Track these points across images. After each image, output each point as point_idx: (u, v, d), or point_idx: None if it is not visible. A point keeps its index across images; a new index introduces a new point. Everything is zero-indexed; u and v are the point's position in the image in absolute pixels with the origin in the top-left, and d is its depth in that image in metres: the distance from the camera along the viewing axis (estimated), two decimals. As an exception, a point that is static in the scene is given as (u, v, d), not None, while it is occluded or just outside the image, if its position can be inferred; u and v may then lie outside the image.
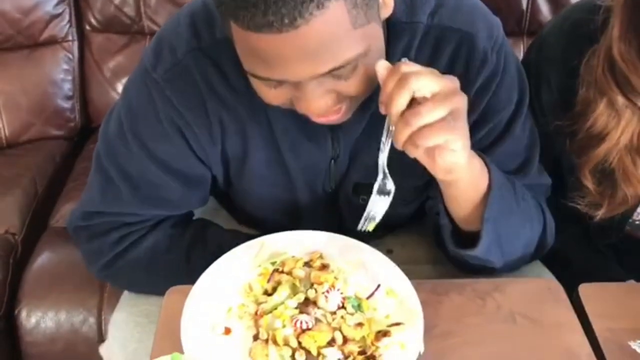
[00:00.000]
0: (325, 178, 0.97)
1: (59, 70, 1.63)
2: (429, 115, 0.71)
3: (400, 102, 0.71)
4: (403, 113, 0.72)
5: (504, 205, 0.87)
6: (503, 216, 0.87)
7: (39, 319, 1.24)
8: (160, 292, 0.90)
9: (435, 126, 0.71)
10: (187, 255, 0.97)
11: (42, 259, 1.31)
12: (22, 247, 1.34)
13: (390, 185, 0.81)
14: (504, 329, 0.85)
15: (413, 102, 0.72)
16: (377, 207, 0.82)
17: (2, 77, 1.58)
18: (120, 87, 1.62)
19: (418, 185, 0.98)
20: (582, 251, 1.10)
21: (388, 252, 1.03)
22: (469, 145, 0.77)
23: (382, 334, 0.80)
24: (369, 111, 0.87)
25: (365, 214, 0.83)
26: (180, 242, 0.98)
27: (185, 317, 0.83)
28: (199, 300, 0.85)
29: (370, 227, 0.84)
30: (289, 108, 0.80)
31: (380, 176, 0.80)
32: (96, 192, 0.96)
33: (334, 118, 0.80)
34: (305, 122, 0.83)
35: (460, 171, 0.79)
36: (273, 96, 0.78)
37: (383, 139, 0.77)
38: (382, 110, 0.74)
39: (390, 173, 0.81)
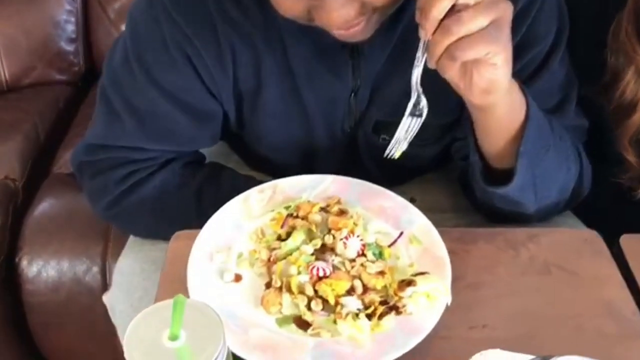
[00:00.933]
0: (344, 115, 0.90)
1: (62, 10, 1.55)
2: (471, 22, 0.63)
3: (443, 5, 0.64)
4: (441, 21, 0.65)
5: (541, 140, 0.80)
6: (539, 153, 0.80)
7: (40, 268, 1.19)
8: (168, 237, 0.84)
9: (476, 36, 0.64)
10: (197, 196, 0.91)
11: (44, 206, 1.25)
12: (23, 194, 1.29)
13: (424, 105, 0.74)
14: (538, 280, 0.78)
15: (450, 12, 0.65)
16: (409, 130, 0.75)
17: (2, 17, 1.50)
18: (125, 30, 1.53)
19: (445, 124, 0.91)
20: (618, 203, 1.02)
21: (410, 201, 0.97)
22: (511, 61, 0.70)
23: (406, 283, 0.73)
24: (392, 37, 0.80)
25: (394, 138, 0.76)
26: (190, 182, 0.92)
27: (192, 263, 0.76)
28: (207, 245, 0.79)
29: (398, 152, 0.77)
30: (306, 25, 0.73)
31: (413, 95, 0.73)
32: (101, 125, 0.90)
33: (355, 30, 0.72)
34: (324, 50, 0.76)
35: (499, 92, 0.72)
36: (289, 5, 0.71)
37: (418, 53, 0.70)
38: (418, 18, 0.67)
39: None
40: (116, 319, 0.96)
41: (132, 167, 0.90)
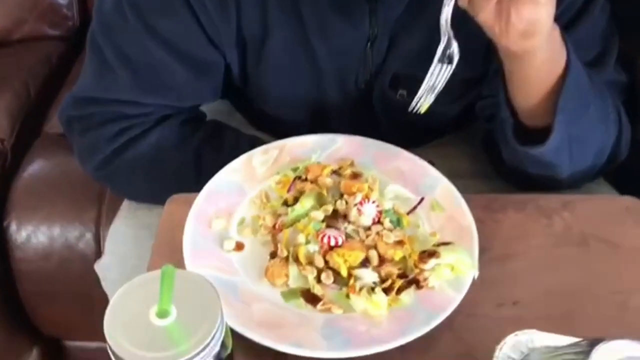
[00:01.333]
0: (358, 67, 0.81)
1: (54, -42, 1.45)
2: None
3: None
4: None
5: (581, 96, 0.72)
6: (578, 110, 0.72)
7: (30, 234, 1.11)
8: (165, 202, 0.77)
9: None
10: (196, 157, 0.83)
11: (34, 168, 1.17)
12: (12, 155, 1.20)
13: (455, 50, 0.66)
14: (576, 253, 0.70)
15: None
16: (437, 78, 0.68)
17: (-11, -33, 1.41)
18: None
19: (471, 78, 0.82)
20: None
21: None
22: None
23: (428, 254, 0.65)
24: None
25: (421, 88, 0.69)
26: (190, 141, 0.84)
27: (188, 229, 0.69)
28: (205, 210, 0.71)
29: (425, 106, 0.70)
30: None
31: (443, 38, 0.66)
32: (90, 76, 0.82)
33: None
34: None
35: (540, 36, 0.63)
36: None
37: None
38: None
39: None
40: (108, 289, 0.89)
41: (125, 123, 0.82)
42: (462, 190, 0.74)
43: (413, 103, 0.70)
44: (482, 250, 0.68)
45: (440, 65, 0.67)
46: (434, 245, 0.67)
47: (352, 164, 0.76)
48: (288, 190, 0.73)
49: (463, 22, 0.64)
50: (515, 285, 0.67)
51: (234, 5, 0.75)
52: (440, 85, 0.68)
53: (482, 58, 0.78)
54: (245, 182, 0.74)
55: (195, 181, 0.76)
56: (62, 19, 1.47)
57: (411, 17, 0.76)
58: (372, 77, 0.82)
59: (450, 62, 0.66)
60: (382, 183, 0.74)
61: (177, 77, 0.80)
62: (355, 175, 0.74)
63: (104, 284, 0.90)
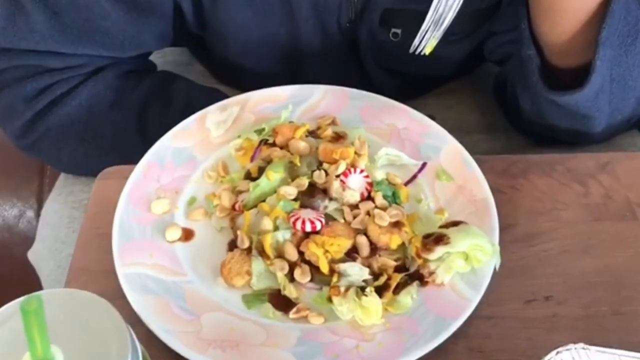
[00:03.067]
0: (341, 2, 0.66)
1: None
2: None
3: None
4: None
5: (628, 24, 0.58)
6: (623, 43, 0.58)
7: (-39, 214, 0.96)
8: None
9: None
10: (139, 116, 0.68)
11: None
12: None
13: None
14: (621, 229, 0.55)
15: None
16: (445, 8, 0.55)
17: None
18: None
19: (481, 9, 0.68)
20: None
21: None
22: None
23: (435, 239, 0.49)
24: None
25: (424, 24, 0.56)
26: (129, 97, 0.69)
27: (119, 214, 0.53)
28: (143, 187, 0.55)
29: (430, 45, 0.58)
30: None
31: None
32: None
33: None
34: None
35: None
36: None
37: None
38: None
39: None
40: (43, 282, 0.74)
41: (46, 79, 0.67)
42: (472, 149, 0.60)
43: (416, 41, 0.57)
44: (502, 229, 0.53)
45: None
46: (440, 226, 0.51)
47: (333, 122, 0.61)
48: (251, 159, 0.57)
49: None
50: (546, 274, 0.52)
51: None
52: (449, 18, 0.56)
53: None
54: (196, 149, 0.59)
55: (141, 147, 0.60)
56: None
57: None
58: (358, 14, 0.68)
59: None
60: (372, 146, 0.58)
61: (110, 20, 0.66)
62: (338, 137, 0.59)
63: (40, 275, 0.75)
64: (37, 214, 0.96)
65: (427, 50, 0.59)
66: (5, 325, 0.30)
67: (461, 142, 0.60)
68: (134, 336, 0.32)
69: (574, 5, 0.55)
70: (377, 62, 0.73)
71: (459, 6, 0.55)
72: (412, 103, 0.71)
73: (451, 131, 0.63)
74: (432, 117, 0.75)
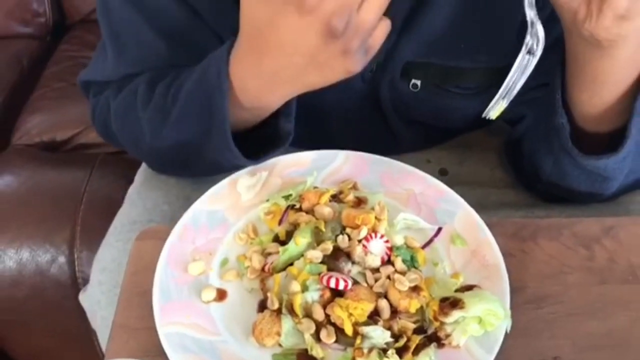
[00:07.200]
0: None
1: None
2: None
3: None
4: None
5: None
6: None
7: (-4, 259, 1.00)
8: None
9: None
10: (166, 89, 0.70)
11: (1, 184, 1.05)
12: (-23, 170, 1.09)
13: (539, 36, 0.55)
14: (625, 292, 0.59)
15: None
16: (522, 74, 0.57)
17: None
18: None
19: (496, 67, 0.68)
20: None
21: (441, 174, 0.79)
22: None
23: (451, 304, 0.53)
24: None
25: (502, 88, 0.58)
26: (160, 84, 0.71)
27: (158, 276, 0.57)
28: (180, 249, 0.59)
29: (499, 109, 0.60)
30: None
31: (529, 22, 0.55)
32: (94, 57, 0.76)
33: None
34: None
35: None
36: None
37: None
38: None
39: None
40: (97, 325, 0.75)
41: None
42: (481, 202, 0.63)
43: (487, 110, 0.60)
44: (513, 292, 0.56)
45: (527, 57, 0.56)
46: (456, 290, 0.55)
47: (354, 187, 0.65)
48: (279, 223, 0.61)
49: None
50: (554, 335, 0.56)
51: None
52: (520, 84, 0.58)
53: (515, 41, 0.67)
54: (228, 212, 0.63)
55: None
56: (33, 16, 1.36)
57: None
58: (380, 66, 0.70)
59: (533, 53, 0.55)
60: (391, 210, 0.62)
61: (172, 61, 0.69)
62: (359, 202, 0.63)
63: (90, 317, 0.77)
64: (69, 259, 1.00)
65: (493, 116, 0.61)
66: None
67: (472, 195, 0.64)
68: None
69: (618, 77, 0.57)
70: (396, 112, 0.75)
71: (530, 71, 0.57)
72: (425, 153, 0.75)
73: (463, 183, 0.66)
74: (444, 172, 0.79)
